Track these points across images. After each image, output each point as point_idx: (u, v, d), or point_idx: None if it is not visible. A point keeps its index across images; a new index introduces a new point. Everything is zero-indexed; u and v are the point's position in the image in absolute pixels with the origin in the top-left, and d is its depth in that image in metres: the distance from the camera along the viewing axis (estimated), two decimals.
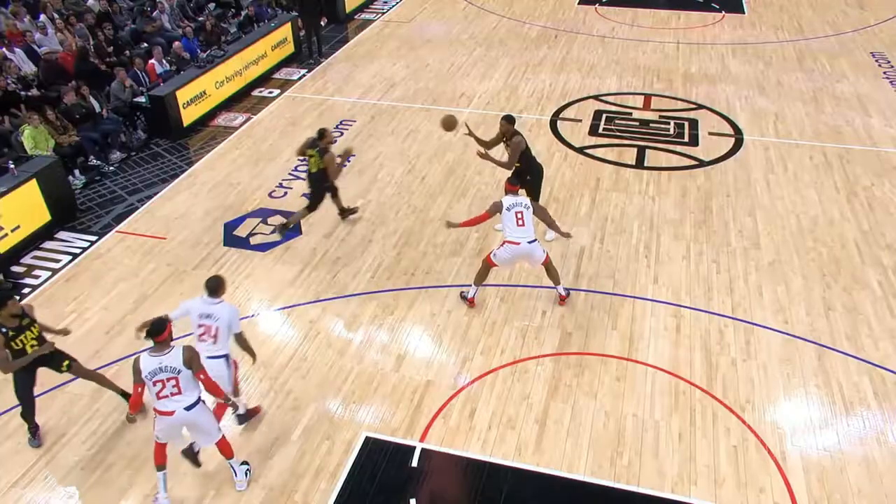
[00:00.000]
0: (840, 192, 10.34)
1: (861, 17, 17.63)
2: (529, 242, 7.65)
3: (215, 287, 6.10)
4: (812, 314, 8.02)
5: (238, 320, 6.18)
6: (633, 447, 6.46)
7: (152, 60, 13.08)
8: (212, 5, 16.57)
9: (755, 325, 7.87)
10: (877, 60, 15.02)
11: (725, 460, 6.31)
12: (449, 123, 8.98)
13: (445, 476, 6.33)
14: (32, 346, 6.19)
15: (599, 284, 8.52)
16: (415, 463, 6.38)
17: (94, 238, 9.65)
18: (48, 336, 6.45)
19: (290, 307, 8.31)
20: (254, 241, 9.50)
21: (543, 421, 6.75)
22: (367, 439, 6.60)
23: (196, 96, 12.79)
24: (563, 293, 8.12)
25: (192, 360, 5.45)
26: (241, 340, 6.28)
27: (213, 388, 5.61)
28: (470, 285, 8.18)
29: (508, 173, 8.55)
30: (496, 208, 7.79)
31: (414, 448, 6.50)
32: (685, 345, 7.57)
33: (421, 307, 8.25)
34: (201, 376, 5.49)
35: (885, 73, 14.41)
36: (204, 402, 5.75)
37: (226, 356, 6.14)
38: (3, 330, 6.00)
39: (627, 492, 6.08)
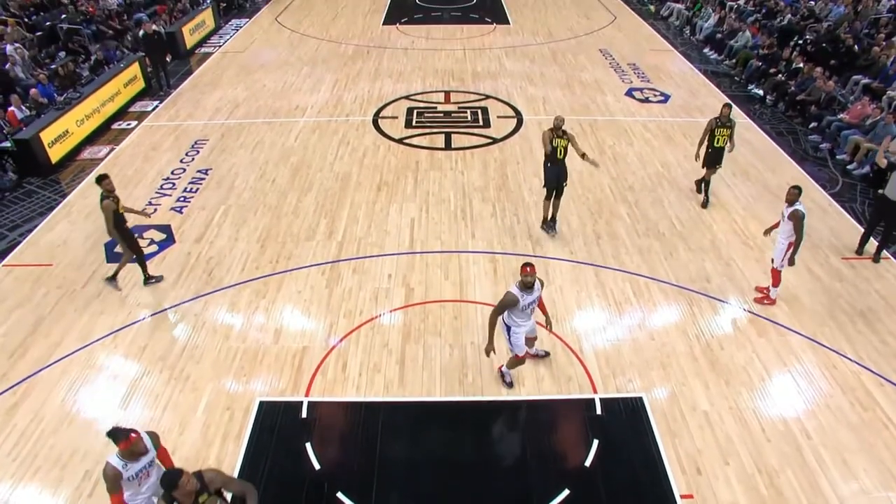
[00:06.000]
0: (594, 151, 11.19)
1: (588, 24, 19.07)
2: None
3: None
4: (588, 244, 8.65)
5: None
6: (473, 367, 6.64)
7: (11, 108, 11.25)
8: (62, 53, 14.44)
9: (550, 258, 8.35)
10: (604, 55, 16.35)
11: (542, 363, 6.67)
12: None
13: (331, 420, 6.14)
14: None
15: (430, 245, 8.59)
16: (304, 415, 6.12)
17: None
18: None
19: (175, 305, 7.56)
20: None
21: (402, 361, 6.73)
22: (262, 403, 6.24)
23: (60, 135, 11.21)
24: None
25: None
26: None
27: None
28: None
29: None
30: None
31: (301, 403, 6.24)
32: (502, 282, 7.86)
33: (288, 287, 7.85)
34: None
35: (610, 63, 15.74)
36: None
37: None
38: None
39: (476, 402, 6.26)
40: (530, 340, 6.36)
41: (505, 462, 5.75)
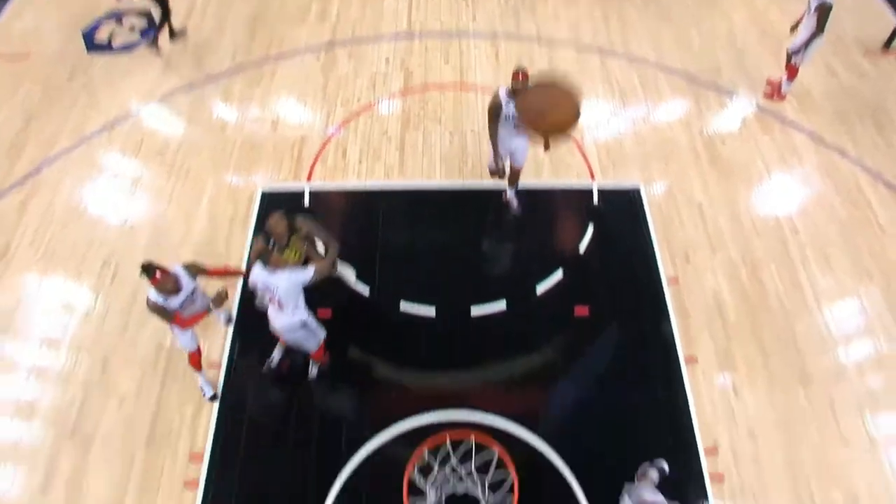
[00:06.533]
0: None
1: None
2: None
3: None
4: (595, 26, 7.81)
5: None
6: (473, 155, 6.41)
7: None
8: None
9: (555, 43, 7.59)
10: None
11: (543, 156, 6.38)
12: None
13: (333, 205, 6.08)
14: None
15: (429, 27, 7.75)
16: (307, 202, 6.04)
17: None
18: None
19: (167, 97, 7.01)
20: (116, 42, 7.63)
21: (402, 147, 6.46)
22: (264, 193, 6.10)
23: None
24: None
25: None
26: None
27: None
28: None
29: None
30: None
31: (303, 191, 6.10)
32: (504, 68, 7.23)
33: (282, 75, 7.22)
34: None
35: None
36: None
37: None
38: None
39: (476, 189, 6.15)
40: (513, 171, 5.62)
41: (502, 246, 5.84)
